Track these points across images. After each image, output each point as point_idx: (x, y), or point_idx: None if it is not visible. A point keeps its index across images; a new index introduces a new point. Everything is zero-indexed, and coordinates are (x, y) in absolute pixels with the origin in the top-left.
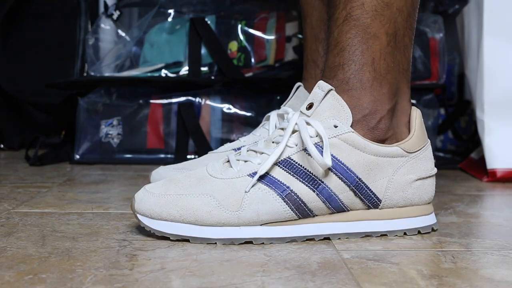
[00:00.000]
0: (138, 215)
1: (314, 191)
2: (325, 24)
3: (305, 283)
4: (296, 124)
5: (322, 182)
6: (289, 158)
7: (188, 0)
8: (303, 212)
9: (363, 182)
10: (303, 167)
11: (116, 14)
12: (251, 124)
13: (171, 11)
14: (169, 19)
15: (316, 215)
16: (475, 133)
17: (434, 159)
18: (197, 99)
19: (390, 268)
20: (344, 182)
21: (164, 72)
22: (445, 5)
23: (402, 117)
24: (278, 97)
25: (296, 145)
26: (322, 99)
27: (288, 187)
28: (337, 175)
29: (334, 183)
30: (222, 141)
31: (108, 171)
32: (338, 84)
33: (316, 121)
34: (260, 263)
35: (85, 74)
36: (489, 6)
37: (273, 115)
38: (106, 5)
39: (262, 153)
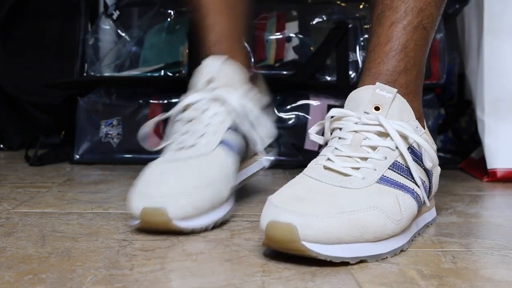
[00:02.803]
0: (305, 243)
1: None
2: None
3: (305, 283)
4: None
5: (423, 181)
6: (396, 161)
7: None
8: None
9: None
10: (407, 167)
11: (116, 14)
12: None
13: (171, 11)
14: (169, 19)
15: None
16: (475, 133)
17: None
18: None
19: (390, 268)
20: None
21: (164, 72)
22: None
23: None
24: (278, 97)
25: (397, 148)
26: (392, 101)
27: (412, 189)
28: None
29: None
30: None
31: (108, 171)
32: (397, 88)
33: (404, 123)
34: (260, 263)
35: (85, 74)
36: (489, 6)
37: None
38: (106, 5)
39: (367, 158)
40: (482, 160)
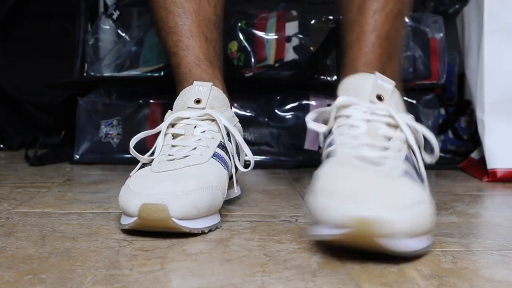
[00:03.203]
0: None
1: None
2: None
3: (305, 283)
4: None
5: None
6: (407, 154)
7: None
8: None
9: None
10: (411, 160)
11: (116, 14)
12: (251, 124)
13: None
14: None
15: None
16: (475, 133)
17: None
18: None
19: (390, 268)
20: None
21: (164, 72)
22: (445, 5)
23: None
24: (278, 97)
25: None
26: (392, 92)
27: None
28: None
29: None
30: None
31: (108, 171)
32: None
33: (410, 116)
34: (260, 263)
35: (85, 74)
36: (489, 6)
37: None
38: (106, 5)
39: (388, 148)
40: (482, 160)
